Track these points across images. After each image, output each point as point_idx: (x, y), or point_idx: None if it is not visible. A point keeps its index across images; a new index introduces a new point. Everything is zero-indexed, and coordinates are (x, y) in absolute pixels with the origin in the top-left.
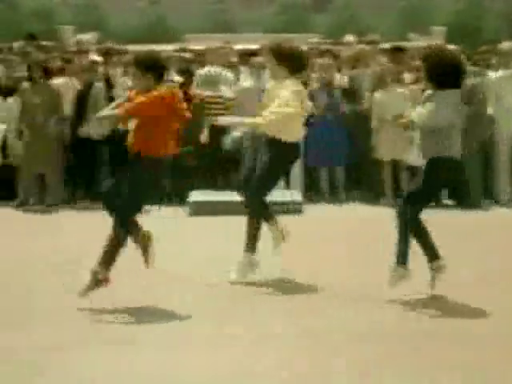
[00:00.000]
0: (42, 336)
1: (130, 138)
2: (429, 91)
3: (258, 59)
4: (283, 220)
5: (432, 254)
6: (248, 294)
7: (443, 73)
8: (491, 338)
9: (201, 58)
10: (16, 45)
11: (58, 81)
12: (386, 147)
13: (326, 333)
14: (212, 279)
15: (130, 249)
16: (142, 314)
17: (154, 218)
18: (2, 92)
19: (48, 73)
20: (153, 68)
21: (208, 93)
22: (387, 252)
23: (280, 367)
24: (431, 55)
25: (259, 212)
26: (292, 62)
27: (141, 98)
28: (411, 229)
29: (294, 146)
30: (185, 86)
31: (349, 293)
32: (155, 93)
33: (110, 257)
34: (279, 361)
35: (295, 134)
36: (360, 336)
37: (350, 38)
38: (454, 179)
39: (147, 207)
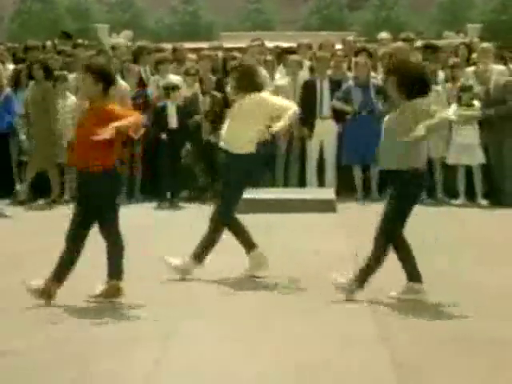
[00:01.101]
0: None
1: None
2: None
3: (294, 57)
4: (316, 218)
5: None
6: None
7: (412, 83)
8: None
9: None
10: (49, 43)
11: None
12: None
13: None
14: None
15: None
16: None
17: (186, 215)
18: None
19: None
20: (104, 77)
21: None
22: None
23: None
24: (398, 68)
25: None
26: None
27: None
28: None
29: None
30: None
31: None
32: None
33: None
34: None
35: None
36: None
37: (384, 34)
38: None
39: (183, 204)
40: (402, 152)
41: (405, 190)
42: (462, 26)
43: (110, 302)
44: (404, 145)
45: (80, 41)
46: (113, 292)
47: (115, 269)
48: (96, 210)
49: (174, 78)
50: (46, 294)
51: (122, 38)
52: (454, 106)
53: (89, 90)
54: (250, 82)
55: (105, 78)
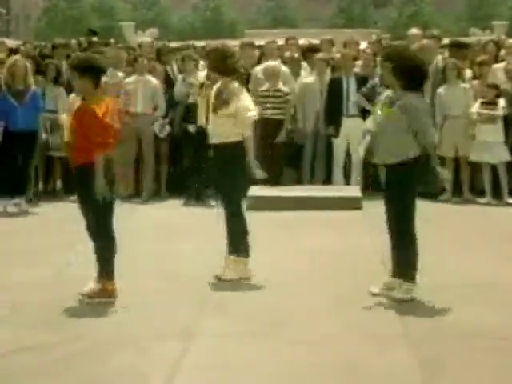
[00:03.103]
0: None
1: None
2: (389, 92)
3: (321, 55)
4: (342, 215)
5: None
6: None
7: (413, 73)
8: None
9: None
10: (73, 41)
11: (128, 79)
12: (449, 143)
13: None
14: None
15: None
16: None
17: (214, 212)
18: (66, 87)
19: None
20: (90, 71)
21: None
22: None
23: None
24: (394, 54)
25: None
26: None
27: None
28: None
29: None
30: None
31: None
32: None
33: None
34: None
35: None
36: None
37: (414, 31)
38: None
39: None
40: (400, 144)
41: (409, 180)
42: (488, 23)
43: (106, 301)
44: (401, 137)
45: (94, 39)
46: (102, 293)
47: (103, 270)
48: (86, 204)
49: (203, 76)
50: (108, 292)
51: (148, 36)
52: (477, 104)
53: (77, 87)
54: (223, 65)
55: (89, 71)
